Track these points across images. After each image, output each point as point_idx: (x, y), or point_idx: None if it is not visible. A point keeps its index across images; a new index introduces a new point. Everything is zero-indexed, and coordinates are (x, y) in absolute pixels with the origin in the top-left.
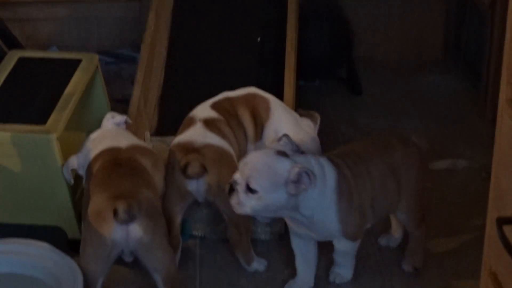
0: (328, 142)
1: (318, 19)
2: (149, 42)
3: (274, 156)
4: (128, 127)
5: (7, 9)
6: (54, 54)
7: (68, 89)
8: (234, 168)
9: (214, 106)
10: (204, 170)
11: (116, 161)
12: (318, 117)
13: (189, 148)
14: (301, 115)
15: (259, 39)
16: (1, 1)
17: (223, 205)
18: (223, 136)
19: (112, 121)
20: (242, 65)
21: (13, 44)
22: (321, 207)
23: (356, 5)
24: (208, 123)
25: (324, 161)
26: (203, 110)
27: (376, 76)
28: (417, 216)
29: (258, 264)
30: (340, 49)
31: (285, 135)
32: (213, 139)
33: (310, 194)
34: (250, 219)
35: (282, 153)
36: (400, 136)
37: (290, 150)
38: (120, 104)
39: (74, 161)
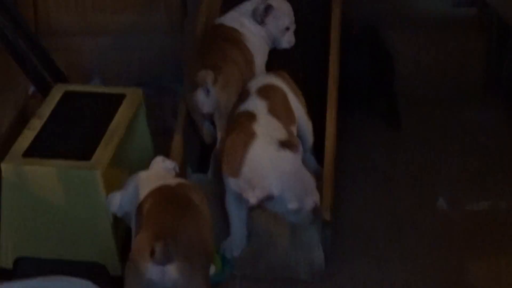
0: (366, 177)
1: (359, 52)
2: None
3: None
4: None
5: (52, 39)
6: (99, 88)
7: (112, 124)
8: None
9: None
10: None
11: (166, 199)
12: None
13: None
14: None
15: (301, 75)
16: (46, 31)
17: None
18: None
19: (162, 165)
20: None
21: (58, 76)
22: None
23: (397, 38)
24: None
25: None
26: None
27: (415, 110)
28: None
29: None
30: (381, 82)
31: None
32: None
33: None
34: None
35: None
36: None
37: None
38: (161, 137)
39: (118, 199)
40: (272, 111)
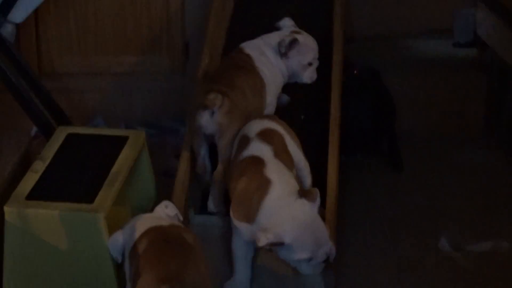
0: (367, 218)
1: (360, 94)
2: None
3: None
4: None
5: (54, 80)
6: (102, 130)
7: (115, 166)
8: None
9: None
10: None
11: (163, 240)
12: None
13: None
14: None
15: (302, 116)
16: (49, 72)
17: None
18: None
19: (165, 210)
20: None
21: (61, 118)
22: None
23: (397, 80)
24: None
25: None
26: None
27: (416, 151)
28: None
29: None
30: (382, 124)
31: None
32: None
33: None
34: None
35: None
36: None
37: None
38: (163, 178)
39: (120, 239)
40: (277, 155)
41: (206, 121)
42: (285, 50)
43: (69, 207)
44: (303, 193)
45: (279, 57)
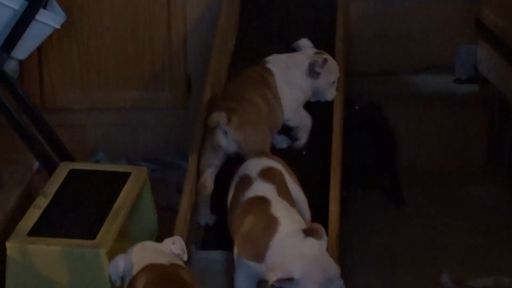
0: (369, 253)
1: (361, 129)
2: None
3: None
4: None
5: (57, 115)
6: (104, 166)
7: (118, 202)
8: None
9: None
10: None
11: (162, 278)
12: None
13: None
14: None
15: (304, 152)
16: (51, 107)
17: None
18: None
19: (171, 247)
20: None
21: (63, 153)
22: None
23: (398, 115)
24: None
25: None
26: None
27: (418, 186)
28: None
29: None
30: (383, 159)
31: None
32: None
33: None
34: None
35: None
36: None
37: None
38: (165, 213)
39: (122, 264)
40: (280, 194)
41: (223, 140)
42: (320, 70)
43: (71, 243)
44: (309, 232)
45: (305, 77)
